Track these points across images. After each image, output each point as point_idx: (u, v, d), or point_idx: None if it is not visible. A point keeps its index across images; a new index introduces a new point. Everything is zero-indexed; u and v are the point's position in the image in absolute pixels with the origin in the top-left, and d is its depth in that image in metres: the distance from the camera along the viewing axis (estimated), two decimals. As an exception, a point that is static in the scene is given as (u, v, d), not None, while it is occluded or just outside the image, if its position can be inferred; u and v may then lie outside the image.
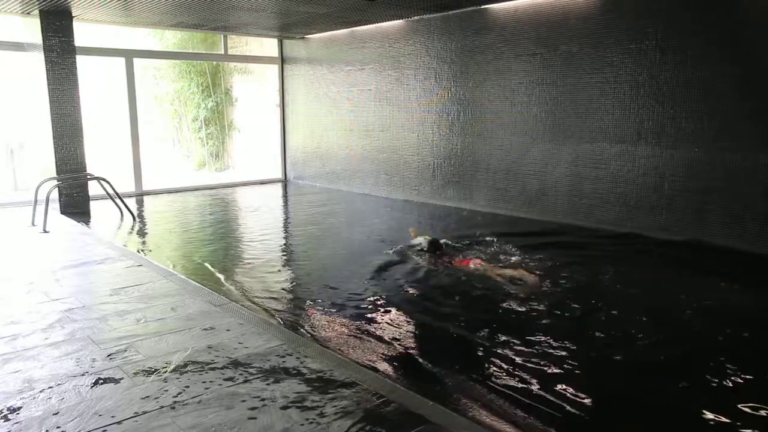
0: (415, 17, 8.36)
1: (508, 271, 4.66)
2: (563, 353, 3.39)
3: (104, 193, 7.57)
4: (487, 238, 5.95)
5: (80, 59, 8.07)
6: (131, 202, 8.42)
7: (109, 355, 3.09)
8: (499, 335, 3.60)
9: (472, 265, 4.86)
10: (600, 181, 6.61)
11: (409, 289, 4.63)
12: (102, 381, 2.80)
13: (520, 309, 4.07)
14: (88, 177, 7.78)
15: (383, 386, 2.77)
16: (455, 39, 7.95)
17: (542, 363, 3.26)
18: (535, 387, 3.00)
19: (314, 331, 3.72)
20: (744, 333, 3.84)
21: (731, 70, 5.51)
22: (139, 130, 9.49)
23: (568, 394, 2.93)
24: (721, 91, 5.58)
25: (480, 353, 3.43)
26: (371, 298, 4.36)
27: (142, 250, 5.99)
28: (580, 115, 6.70)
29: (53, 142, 7.84)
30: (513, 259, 5.11)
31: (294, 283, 5.00)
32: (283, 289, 4.77)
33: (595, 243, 6.08)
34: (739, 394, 3.02)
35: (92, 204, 8.26)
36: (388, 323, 3.89)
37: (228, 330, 3.44)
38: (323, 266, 5.38)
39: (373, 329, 3.79)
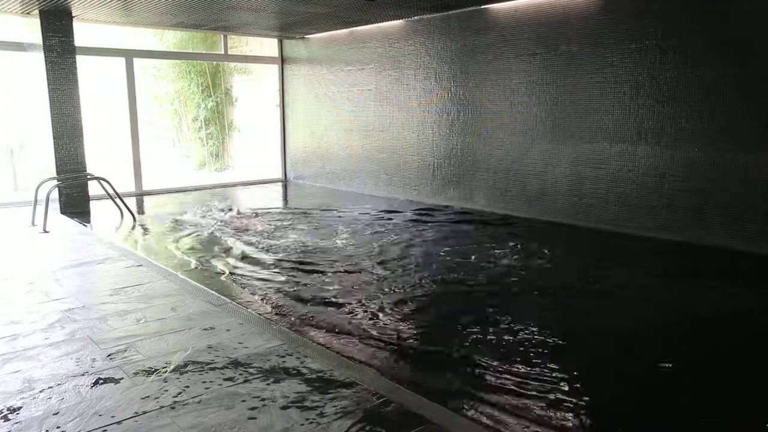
0: (415, 17, 8.36)
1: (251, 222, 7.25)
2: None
3: (104, 192, 7.57)
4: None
5: (80, 59, 8.07)
6: (131, 202, 8.42)
7: (109, 355, 3.09)
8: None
9: (240, 223, 7.28)
10: (600, 181, 6.61)
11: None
12: (102, 381, 2.80)
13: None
14: (88, 177, 7.78)
15: (383, 386, 2.77)
16: (455, 39, 7.95)
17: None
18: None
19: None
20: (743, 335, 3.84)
21: (731, 70, 5.51)
22: (139, 130, 9.49)
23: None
24: (721, 91, 5.58)
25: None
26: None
27: (141, 250, 5.99)
28: (580, 115, 6.70)
29: (53, 142, 7.85)
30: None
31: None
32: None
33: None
34: (738, 396, 3.02)
35: (92, 204, 8.26)
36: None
37: (228, 330, 3.44)
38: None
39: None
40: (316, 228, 6.94)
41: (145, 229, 7.02)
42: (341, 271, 5.12)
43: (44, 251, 5.52)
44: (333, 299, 4.38)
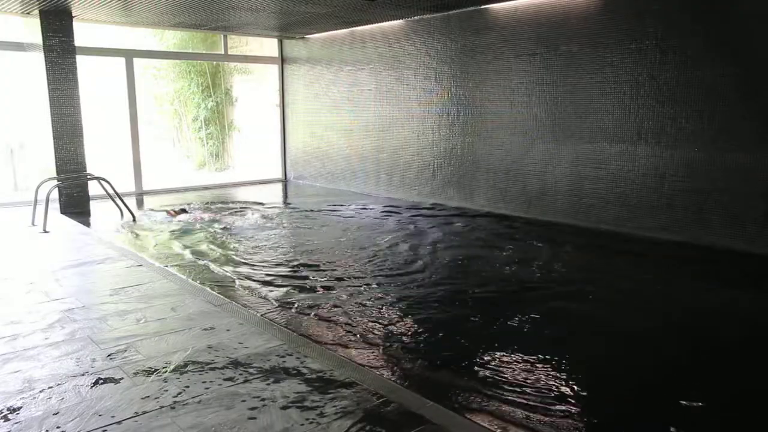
0: (415, 17, 8.36)
1: (206, 215, 7.81)
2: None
3: (104, 192, 7.57)
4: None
5: (80, 59, 8.07)
6: (131, 202, 8.41)
7: (109, 355, 3.09)
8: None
9: (198, 216, 7.83)
10: (600, 181, 6.61)
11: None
12: (102, 381, 2.80)
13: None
14: (88, 177, 7.78)
15: (383, 386, 2.77)
16: (455, 39, 7.95)
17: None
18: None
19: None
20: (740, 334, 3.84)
21: (731, 70, 5.51)
22: (139, 130, 9.49)
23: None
24: (721, 91, 5.58)
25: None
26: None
27: (139, 250, 5.99)
28: (580, 115, 6.70)
29: (53, 142, 7.84)
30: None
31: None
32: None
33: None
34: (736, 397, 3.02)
35: (92, 204, 8.26)
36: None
37: (228, 330, 3.44)
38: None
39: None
40: (315, 226, 6.96)
41: (143, 229, 7.03)
42: (338, 270, 5.13)
43: (44, 251, 5.52)
44: (329, 298, 4.39)
